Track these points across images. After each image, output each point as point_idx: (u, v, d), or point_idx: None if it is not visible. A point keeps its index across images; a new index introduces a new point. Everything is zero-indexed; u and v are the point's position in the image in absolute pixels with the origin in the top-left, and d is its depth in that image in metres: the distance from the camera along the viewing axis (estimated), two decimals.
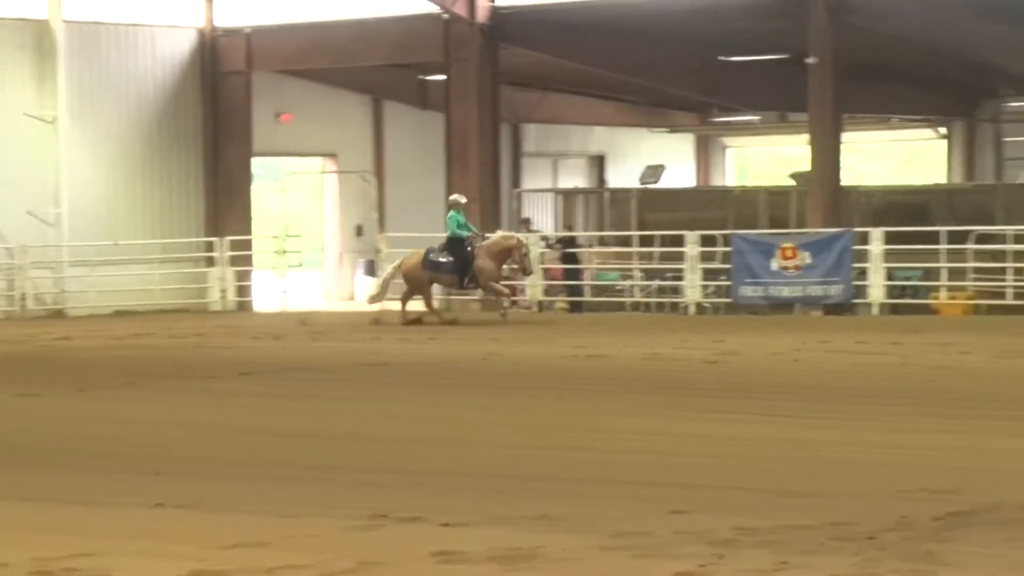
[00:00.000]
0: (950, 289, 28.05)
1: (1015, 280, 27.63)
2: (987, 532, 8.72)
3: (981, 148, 42.72)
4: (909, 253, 28.69)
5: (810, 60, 29.49)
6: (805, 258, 28.13)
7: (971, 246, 27.98)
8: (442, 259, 26.76)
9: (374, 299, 27.90)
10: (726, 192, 38.50)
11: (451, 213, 27.09)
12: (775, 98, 38.51)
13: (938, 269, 28.05)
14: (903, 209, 32.27)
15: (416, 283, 27.02)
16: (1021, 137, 41.73)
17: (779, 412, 14.23)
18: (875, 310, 27.79)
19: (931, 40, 32.21)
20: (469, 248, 26.72)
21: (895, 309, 28.15)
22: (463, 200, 27.55)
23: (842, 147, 30.41)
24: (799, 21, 29.68)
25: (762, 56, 36.06)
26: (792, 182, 36.02)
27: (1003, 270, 27.92)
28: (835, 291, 28.01)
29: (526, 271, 27.60)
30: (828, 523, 8.92)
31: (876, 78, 36.87)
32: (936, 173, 44.01)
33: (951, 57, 33.72)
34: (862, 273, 27.95)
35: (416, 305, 27.17)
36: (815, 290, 28.16)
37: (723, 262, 29.38)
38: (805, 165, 31.22)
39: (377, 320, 26.75)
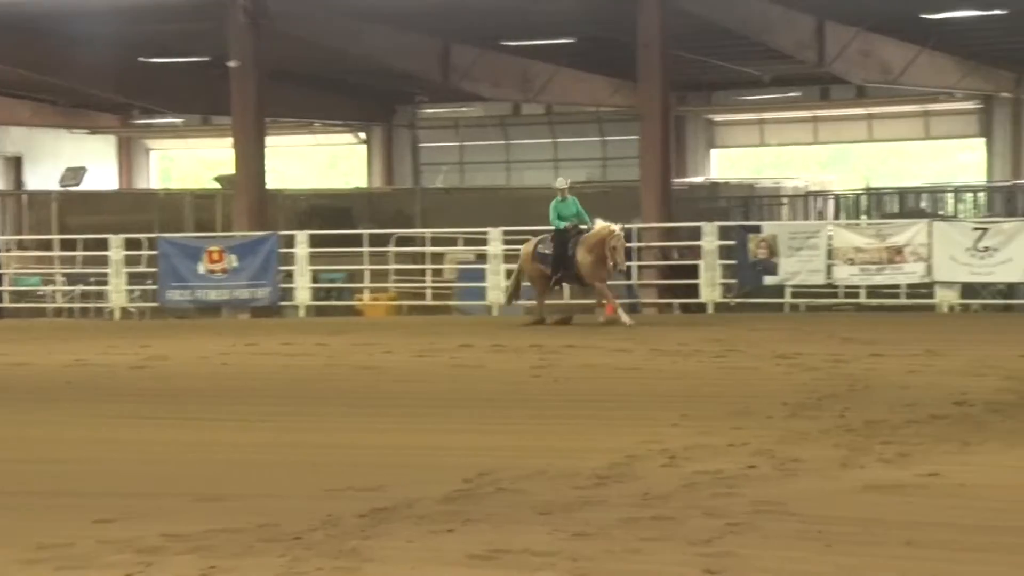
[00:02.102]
0: (373, 291, 28.77)
1: (433, 281, 28.65)
2: (408, 526, 9.00)
3: (399, 153, 44.14)
4: (334, 255, 29.23)
5: (231, 63, 29.55)
6: (232, 261, 28.16)
7: (392, 248, 28.80)
8: (547, 250, 23.68)
9: (508, 299, 25.11)
10: (150, 195, 38.12)
11: (553, 202, 23.84)
12: (198, 101, 38.40)
13: (361, 271, 28.70)
14: (327, 212, 32.94)
15: (530, 275, 24.11)
16: (435, 143, 43.40)
17: (206, 415, 14.19)
18: (302, 312, 28.14)
19: (348, 48, 32.97)
20: (573, 240, 23.30)
21: (321, 311, 28.61)
22: (563, 185, 24.06)
23: (267, 151, 30.62)
24: (220, 24, 29.69)
25: (184, 58, 35.88)
26: (218, 185, 36.05)
27: (422, 271, 28.90)
28: (262, 294, 28.18)
29: (616, 266, 23.29)
30: (256, 525, 8.97)
31: (299, 83, 37.45)
32: (358, 177, 45.09)
33: (368, 64, 34.61)
34: (289, 275, 28.23)
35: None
36: (242, 293, 28.24)
37: (149, 266, 29.00)
38: (230, 168, 31.25)
39: (536, 322, 23.60)
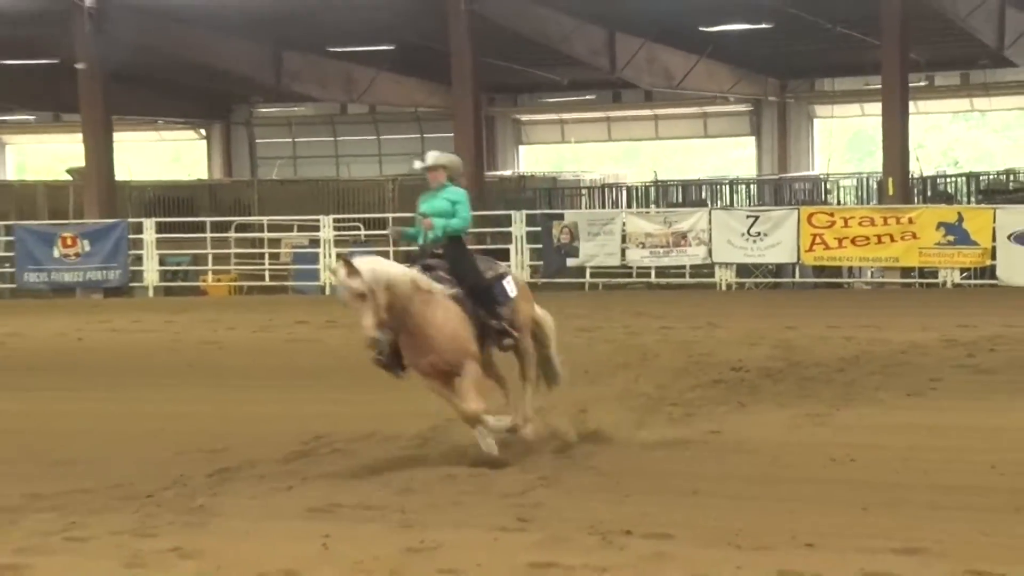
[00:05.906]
0: (216, 272, 28.39)
1: (271, 264, 28.39)
2: (252, 484, 8.94)
3: (237, 148, 43.63)
4: (179, 241, 28.86)
5: (79, 66, 28.88)
6: (84, 246, 27.63)
7: (232, 234, 28.47)
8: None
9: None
10: (6, 186, 37.03)
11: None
12: (48, 99, 37.53)
13: (205, 255, 28.31)
14: (172, 202, 32.45)
15: None
16: (270, 139, 43.04)
17: (62, 387, 13.89)
18: (150, 292, 27.66)
19: (188, 54, 32.46)
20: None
21: (168, 291, 28.16)
22: (424, 164, 10.36)
23: (115, 145, 30.08)
24: (65, 29, 29.00)
25: (35, 60, 34.92)
26: (70, 177, 35.20)
27: (261, 255, 28.63)
28: (113, 275, 27.69)
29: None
30: (111, 486, 8.83)
31: (144, 84, 36.70)
32: (199, 170, 44.42)
33: (205, 68, 34.07)
34: (138, 259, 27.76)
35: None
36: (95, 275, 27.70)
37: (7, 251, 28.25)
38: (81, 161, 30.60)
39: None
